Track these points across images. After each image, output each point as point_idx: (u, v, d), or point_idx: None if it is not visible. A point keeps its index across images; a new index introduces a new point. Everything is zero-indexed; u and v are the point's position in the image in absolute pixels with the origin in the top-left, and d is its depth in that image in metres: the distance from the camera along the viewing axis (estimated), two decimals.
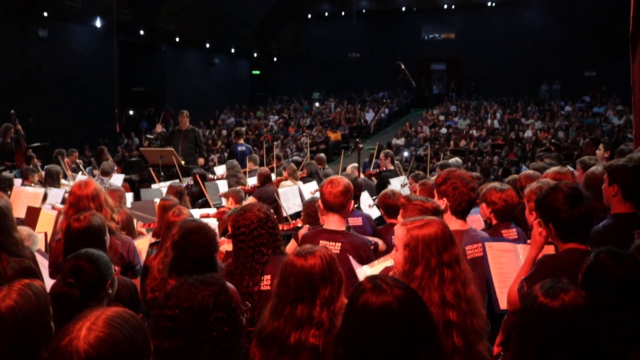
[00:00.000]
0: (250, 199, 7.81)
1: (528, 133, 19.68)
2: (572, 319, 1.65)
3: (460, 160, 9.41)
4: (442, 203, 3.32)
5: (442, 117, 23.48)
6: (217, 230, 5.43)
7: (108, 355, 1.35)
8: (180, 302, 1.80)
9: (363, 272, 3.15)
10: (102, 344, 1.36)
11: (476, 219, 4.01)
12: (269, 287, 2.92)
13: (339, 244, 3.36)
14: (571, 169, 5.38)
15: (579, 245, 2.67)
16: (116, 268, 2.70)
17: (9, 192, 6.58)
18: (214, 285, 1.86)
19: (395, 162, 9.48)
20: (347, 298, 2.37)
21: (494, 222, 3.88)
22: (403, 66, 6.39)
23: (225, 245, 4.51)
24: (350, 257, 3.26)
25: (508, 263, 3.19)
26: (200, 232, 2.81)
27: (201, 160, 10.84)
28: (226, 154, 16.16)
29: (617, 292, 2.03)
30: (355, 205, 4.92)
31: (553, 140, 15.57)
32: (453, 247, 2.31)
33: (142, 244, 4.14)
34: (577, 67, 24.55)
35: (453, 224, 3.31)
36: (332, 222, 3.48)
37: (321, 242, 3.35)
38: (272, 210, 3.28)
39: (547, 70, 25.27)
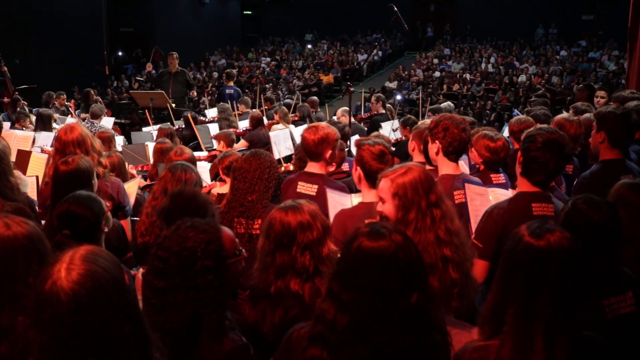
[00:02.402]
0: (242, 142, 7.80)
1: (522, 78, 19.54)
2: (557, 258, 1.69)
3: (452, 105, 9.37)
4: (435, 146, 3.34)
5: (435, 61, 23.23)
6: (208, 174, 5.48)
7: (93, 288, 1.38)
8: (172, 245, 1.88)
9: (349, 200, 3.27)
10: (86, 279, 1.38)
11: (460, 165, 4.02)
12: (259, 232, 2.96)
13: (316, 186, 3.45)
14: (565, 114, 5.37)
15: (530, 187, 2.81)
16: (107, 203, 2.73)
17: None
18: (206, 232, 1.91)
19: (387, 105, 9.44)
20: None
21: (482, 168, 3.91)
22: (395, 8, 6.27)
23: (217, 188, 4.55)
24: (331, 191, 3.33)
25: (480, 206, 3.26)
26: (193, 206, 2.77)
27: (194, 93, 11.02)
28: (217, 96, 16.02)
29: (594, 237, 2.08)
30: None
31: (547, 86, 15.48)
32: (435, 186, 2.38)
33: (132, 187, 4.15)
34: (575, 10, 24.12)
35: (445, 167, 3.35)
36: (311, 166, 3.56)
37: (299, 183, 3.44)
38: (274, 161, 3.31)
39: (544, 14, 24.82)
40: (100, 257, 1.45)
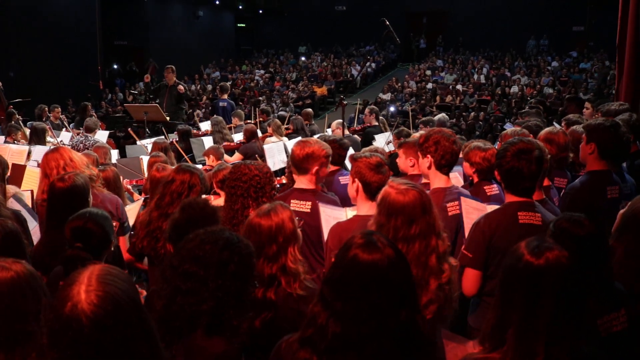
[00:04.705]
0: (237, 155, 7.83)
1: (514, 89, 19.68)
2: (555, 276, 1.72)
3: (446, 116, 9.44)
4: (427, 161, 3.39)
5: (428, 72, 23.36)
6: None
7: (112, 310, 1.40)
8: (208, 248, 1.94)
9: (344, 213, 3.31)
10: (105, 301, 1.40)
11: (454, 177, 4.07)
12: None
13: (309, 203, 3.45)
14: (557, 125, 5.44)
15: (515, 197, 2.89)
16: (115, 223, 2.77)
17: None
18: (241, 243, 1.99)
19: (380, 117, 9.50)
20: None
21: (476, 179, 3.95)
22: (387, 22, 6.34)
23: (212, 201, 4.57)
24: (323, 205, 3.36)
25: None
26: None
27: (181, 87, 10.71)
28: (210, 109, 16.05)
29: (581, 252, 2.12)
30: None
31: (538, 98, 15.58)
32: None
33: (134, 208, 4.20)
34: (565, 22, 24.36)
35: (437, 181, 3.40)
36: (300, 181, 3.55)
37: (292, 200, 3.43)
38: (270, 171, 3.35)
39: (535, 25, 25.05)
40: (116, 277, 1.48)
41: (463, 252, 2.88)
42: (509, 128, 7.09)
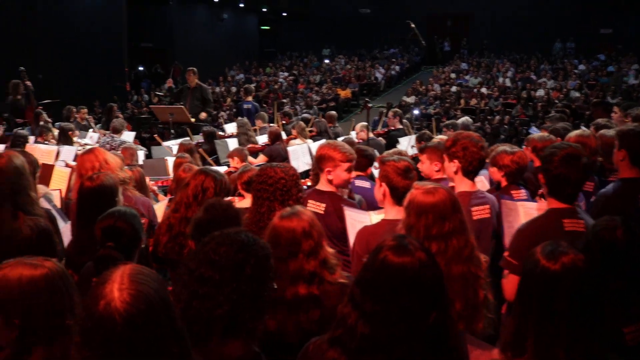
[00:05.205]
0: (261, 157, 7.86)
1: (540, 92, 19.46)
2: (571, 280, 1.71)
3: (470, 120, 9.38)
4: (454, 165, 3.36)
5: (453, 75, 23.22)
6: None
7: (145, 309, 1.41)
8: (225, 249, 1.90)
9: (368, 217, 3.30)
10: (138, 300, 1.41)
11: (479, 180, 4.04)
12: None
13: (324, 205, 3.49)
14: (579, 130, 5.36)
15: (560, 203, 2.84)
16: (144, 220, 2.80)
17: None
18: (259, 243, 1.96)
19: (404, 121, 9.47)
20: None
21: (504, 183, 3.91)
22: (413, 25, 6.32)
23: (236, 203, 4.59)
24: (348, 209, 3.38)
25: (513, 221, 3.32)
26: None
27: (203, 115, 10.66)
28: (234, 111, 16.14)
29: (613, 260, 2.08)
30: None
31: (564, 102, 15.39)
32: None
33: (160, 208, 4.24)
34: (593, 24, 24.02)
35: (463, 185, 3.37)
36: (320, 182, 3.63)
37: (309, 201, 3.48)
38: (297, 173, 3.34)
39: (562, 28, 24.77)
40: (147, 276, 1.49)
41: (507, 259, 2.84)
42: (535, 132, 7.02)
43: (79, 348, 1.45)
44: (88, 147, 5.77)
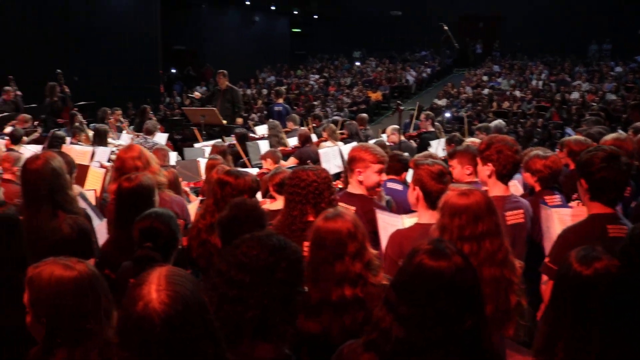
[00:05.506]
0: (292, 160, 7.89)
1: (575, 95, 19.10)
2: (604, 286, 1.68)
3: (503, 122, 9.26)
4: (488, 169, 3.32)
5: (485, 78, 22.96)
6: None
7: (182, 310, 1.43)
8: (256, 252, 1.89)
9: (400, 221, 3.28)
10: (176, 301, 1.43)
11: (513, 185, 3.99)
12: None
13: (353, 208, 3.44)
14: (616, 133, 5.26)
15: (603, 208, 2.76)
16: (180, 222, 2.83)
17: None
18: (290, 247, 1.95)
19: (436, 123, 9.40)
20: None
21: (538, 188, 3.84)
22: (446, 27, 6.26)
23: (268, 205, 4.61)
24: (380, 212, 3.35)
25: (550, 228, 3.26)
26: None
27: (239, 120, 10.81)
28: (265, 113, 16.23)
29: None
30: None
31: (600, 105, 15.08)
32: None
33: (192, 208, 4.28)
34: (630, 25, 23.47)
35: (496, 189, 3.33)
36: (352, 184, 3.62)
37: (340, 203, 3.42)
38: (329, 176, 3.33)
39: (597, 29, 24.28)
40: (184, 278, 1.50)
41: (547, 265, 2.78)
42: (571, 135, 6.90)
43: (117, 350, 1.47)
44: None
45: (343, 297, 2.33)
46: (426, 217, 2.98)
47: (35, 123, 9.58)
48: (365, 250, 2.40)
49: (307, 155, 7.76)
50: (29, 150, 6.81)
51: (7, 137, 7.76)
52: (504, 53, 26.62)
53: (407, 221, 3.24)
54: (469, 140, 5.97)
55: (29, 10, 14.80)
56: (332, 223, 2.40)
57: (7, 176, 4.76)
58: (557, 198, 3.77)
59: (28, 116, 9.33)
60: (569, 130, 10.24)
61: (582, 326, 1.67)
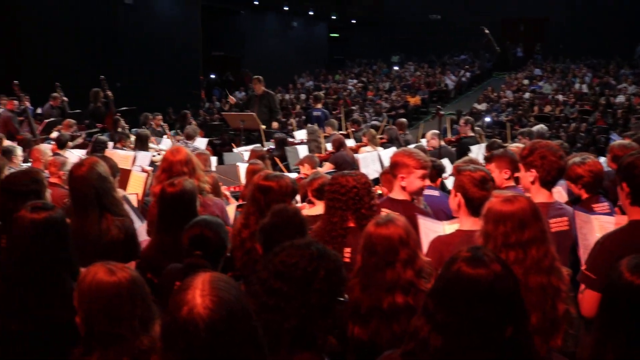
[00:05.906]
0: (328, 165, 7.88)
1: (620, 98, 18.60)
2: None
3: (545, 127, 9.08)
4: (531, 175, 3.25)
5: (526, 81, 22.57)
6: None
7: (227, 315, 1.44)
8: (296, 260, 1.87)
9: (442, 227, 3.23)
10: (220, 307, 1.43)
11: (557, 191, 3.89)
12: (349, 260, 2.93)
13: (397, 214, 3.40)
14: None
15: None
16: (228, 229, 2.86)
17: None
18: (330, 257, 1.93)
19: (476, 128, 9.28)
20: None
21: (585, 196, 3.74)
22: (487, 30, 6.17)
23: (307, 210, 4.61)
24: (422, 218, 3.30)
25: (588, 234, 3.14)
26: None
27: (275, 124, 10.83)
28: (304, 118, 16.29)
29: None
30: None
31: None
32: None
33: (230, 210, 4.32)
34: None
35: (540, 196, 3.24)
36: (395, 190, 3.59)
37: (382, 209, 3.37)
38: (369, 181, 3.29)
39: None
40: (227, 283, 1.51)
41: (585, 273, 2.68)
42: (616, 140, 6.71)
43: (161, 353, 1.48)
44: (163, 153, 5.96)
45: (394, 305, 2.31)
46: (468, 223, 2.93)
47: (77, 128, 9.81)
48: (416, 257, 2.38)
49: (342, 159, 7.74)
50: (74, 155, 6.99)
51: (53, 142, 7.97)
52: (545, 56, 26.12)
53: (447, 227, 3.20)
54: (512, 146, 5.86)
55: (76, 21, 15.26)
56: (383, 229, 2.38)
57: (53, 180, 4.88)
58: (605, 206, 3.66)
59: (72, 121, 9.58)
60: (614, 135, 9.97)
61: (632, 338, 1.61)
